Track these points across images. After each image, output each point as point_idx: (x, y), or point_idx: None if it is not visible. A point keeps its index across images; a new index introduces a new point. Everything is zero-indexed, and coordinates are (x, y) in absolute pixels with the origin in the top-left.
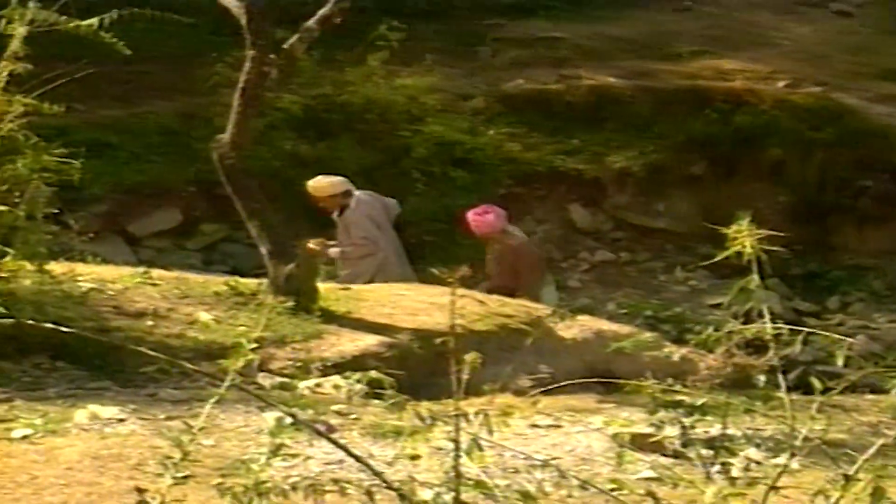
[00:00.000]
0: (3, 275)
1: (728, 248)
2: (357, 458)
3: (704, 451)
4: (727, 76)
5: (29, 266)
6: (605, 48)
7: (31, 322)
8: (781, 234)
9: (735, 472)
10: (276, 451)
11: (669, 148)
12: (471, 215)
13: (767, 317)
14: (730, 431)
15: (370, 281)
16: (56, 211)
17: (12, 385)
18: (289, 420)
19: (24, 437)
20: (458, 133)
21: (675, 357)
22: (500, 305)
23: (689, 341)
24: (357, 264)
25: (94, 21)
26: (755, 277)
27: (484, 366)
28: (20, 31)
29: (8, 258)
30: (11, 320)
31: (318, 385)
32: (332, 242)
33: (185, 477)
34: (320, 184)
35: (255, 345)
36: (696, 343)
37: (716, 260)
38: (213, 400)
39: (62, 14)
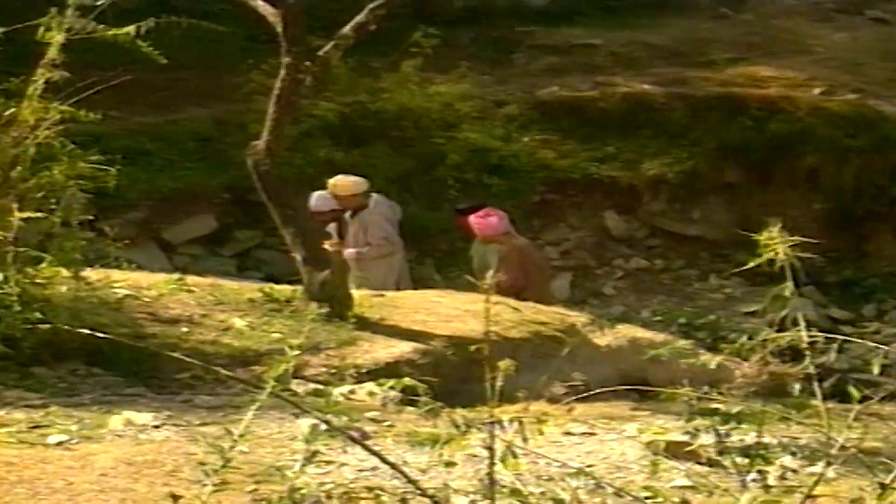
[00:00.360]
0: (39, 281)
1: (761, 255)
2: (392, 465)
3: (740, 460)
4: (762, 83)
5: (64, 272)
6: (641, 55)
7: (67, 327)
8: (815, 242)
9: (771, 481)
10: (310, 457)
11: (704, 155)
12: (473, 218)
13: (802, 325)
14: (765, 440)
15: (397, 282)
16: (91, 218)
17: (48, 391)
18: (323, 427)
19: (60, 444)
20: (492, 140)
21: (712, 365)
22: (535, 313)
23: (723, 349)
24: (372, 266)
25: (131, 29)
26: (789, 285)
27: (518, 373)
28: (57, 38)
29: (44, 265)
30: (48, 325)
31: (351, 392)
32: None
33: (221, 484)
34: (344, 182)
35: (296, 352)
36: (731, 351)
37: (749, 267)
38: (254, 407)
39: (99, 22)
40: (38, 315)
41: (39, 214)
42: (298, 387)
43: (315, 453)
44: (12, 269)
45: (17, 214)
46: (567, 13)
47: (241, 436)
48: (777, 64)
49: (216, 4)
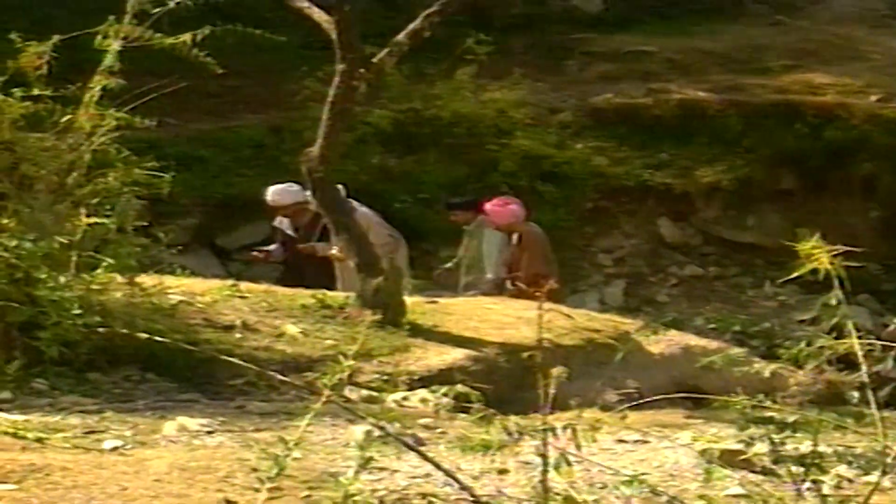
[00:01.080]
0: (94, 287)
1: (807, 264)
2: (445, 472)
3: (795, 469)
4: (818, 90)
5: (119, 278)
6: (695, 62)
7: (125, 332)
8: (863, 250)
9: (826, 490)
10: (365, 464)
11: (759, 162)
12: (491, 206)
13: (854, 333)
14: (821, 448)
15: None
16: (146, 224)
17: (103, 396)
18: (378, 433)
19: (114, 449)
20: (545, 147)
21: (766, 373)
22: (588, 320)
23: (778, 357)
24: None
25: (187, 37)
26: (838, 293)
27: (570, 380)
28: (114, 46)
29: (99, 270)
30: (107, 329)
31: (404, 398)
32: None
33: (273, 490)
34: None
35: (351, 362)
36: (786, 359)
37: (799, 275)
38: (311, 414)
39: (155, 30)
40: (97, 318)
41: (95, 220)
42: (351, 393)
43: (369, 460)
44: (70, 274)
45: (84, 221)
46: (622, 20)
47: (296, 443)
48: (833, 71)
49: (271, 12)
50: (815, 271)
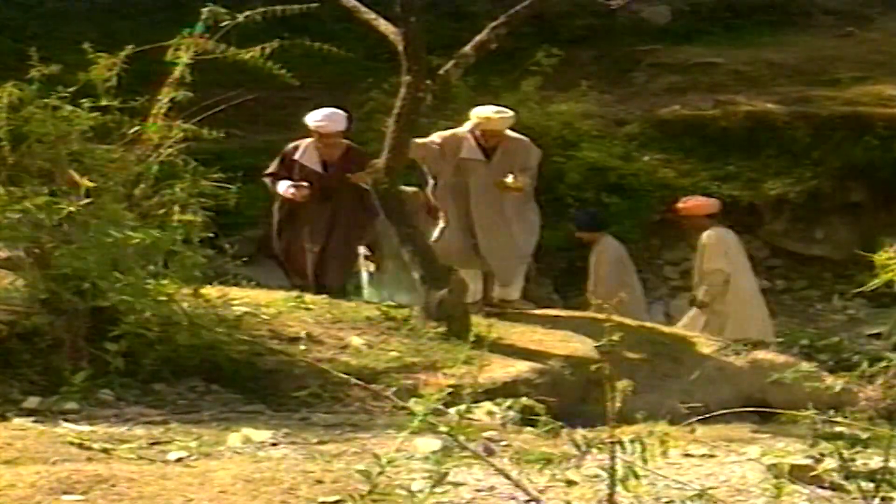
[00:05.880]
0: (160, 298)
1: (881, 276)
2: (514, 482)
3: (865, 485)
4: (888, 102)
5: (185, 289)
6: (764, 74)
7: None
8: None
9: None
10: (441, 479)
11: (828, 175)
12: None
13: None
14: (892, 464)
15: None
16: (212, 235)
17: (167, 407)
18: (451, 446)
19: (179, 460)
20: (611, 159)
21: (837, 387)
22: (653, 332)
23: (847, 371)
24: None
25: (256, 51)
26: None
27: (636, 393)
28: (184, 59)
29: (165, 281)
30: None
31: (468, 411)
32: None
33: (337, 502)
34: (503, 116)
35: (452, 381)
36: (856, 374)
37: (871, 287)
38: (407, 431)
39: (224, 43)
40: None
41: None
42: (416, 406)
43: (445, 475)
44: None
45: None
46: (689, 31)
47: (390, 461)
48: None
49: (337, 24)
50: (889, 284)
